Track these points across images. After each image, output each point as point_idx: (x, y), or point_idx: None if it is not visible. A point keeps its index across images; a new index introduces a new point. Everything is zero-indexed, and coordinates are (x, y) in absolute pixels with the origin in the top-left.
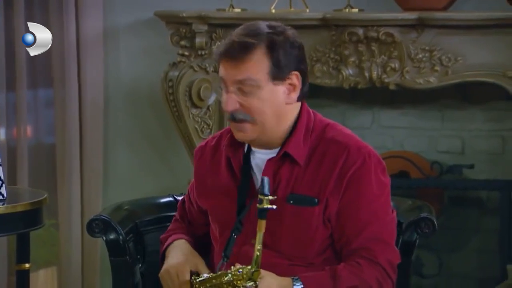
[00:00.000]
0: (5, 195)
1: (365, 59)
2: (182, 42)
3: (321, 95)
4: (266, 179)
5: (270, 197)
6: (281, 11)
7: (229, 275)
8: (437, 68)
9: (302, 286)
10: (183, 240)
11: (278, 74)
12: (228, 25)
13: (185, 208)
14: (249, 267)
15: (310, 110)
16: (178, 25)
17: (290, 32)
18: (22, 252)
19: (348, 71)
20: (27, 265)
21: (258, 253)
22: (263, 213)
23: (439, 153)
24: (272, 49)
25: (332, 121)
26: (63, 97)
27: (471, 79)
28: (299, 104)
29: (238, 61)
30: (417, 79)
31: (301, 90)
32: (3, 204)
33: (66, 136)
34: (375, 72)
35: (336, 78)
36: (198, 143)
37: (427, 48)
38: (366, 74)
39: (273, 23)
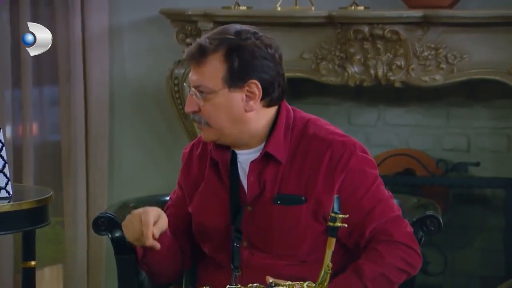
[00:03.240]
0: (11, 193)
1: (370, 57)
2: (188, 40)
3: (326, 93)
4: (336, 197)
5: (343, 216)
6: (287, 9)
7: None
8: (443, 65)
9: None
10: None
11: (233, 81)
12: (234, 23)
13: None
14: (302, 283)
15: (290, 108)
16: (184, 23)
17: (259, 41)
18: (28, 249)
19: (354, 69)
20: (32, 263)
21: (328, 272)
22: (335, 231)
23: (444, 151)
24: (229, 56)
25: (314, 117)
26: (69, 95)
27: (476, 77)
28: (270, 109)
29: (196, 64)
30: (422, 77)
31: (270, 96)
32: (9, 202)
33: (71, 134)
34: (380, 70)
35: (341, 76)
36: None
37: (432, 45)
38: (372, 72)
39: (246, 28)
